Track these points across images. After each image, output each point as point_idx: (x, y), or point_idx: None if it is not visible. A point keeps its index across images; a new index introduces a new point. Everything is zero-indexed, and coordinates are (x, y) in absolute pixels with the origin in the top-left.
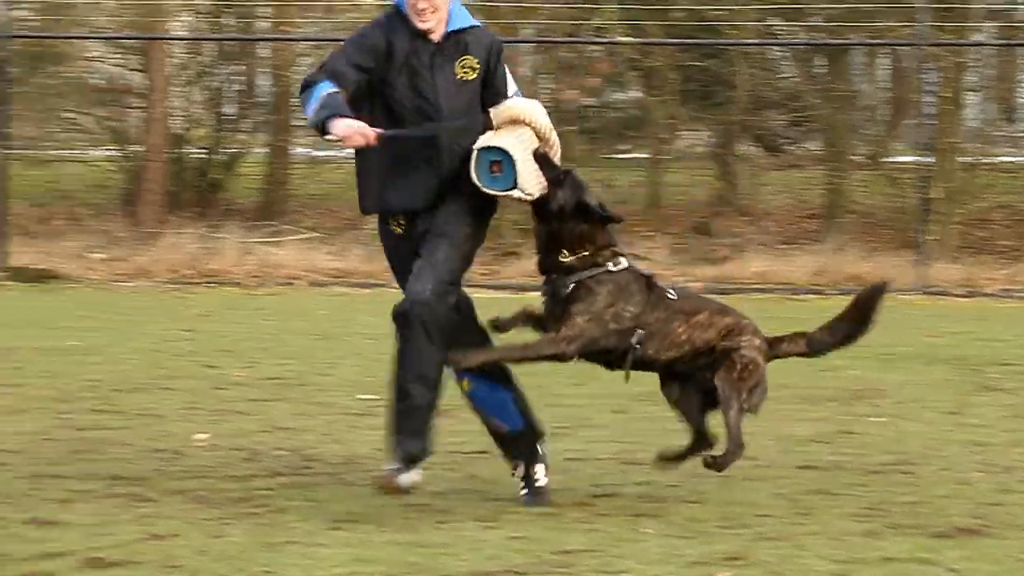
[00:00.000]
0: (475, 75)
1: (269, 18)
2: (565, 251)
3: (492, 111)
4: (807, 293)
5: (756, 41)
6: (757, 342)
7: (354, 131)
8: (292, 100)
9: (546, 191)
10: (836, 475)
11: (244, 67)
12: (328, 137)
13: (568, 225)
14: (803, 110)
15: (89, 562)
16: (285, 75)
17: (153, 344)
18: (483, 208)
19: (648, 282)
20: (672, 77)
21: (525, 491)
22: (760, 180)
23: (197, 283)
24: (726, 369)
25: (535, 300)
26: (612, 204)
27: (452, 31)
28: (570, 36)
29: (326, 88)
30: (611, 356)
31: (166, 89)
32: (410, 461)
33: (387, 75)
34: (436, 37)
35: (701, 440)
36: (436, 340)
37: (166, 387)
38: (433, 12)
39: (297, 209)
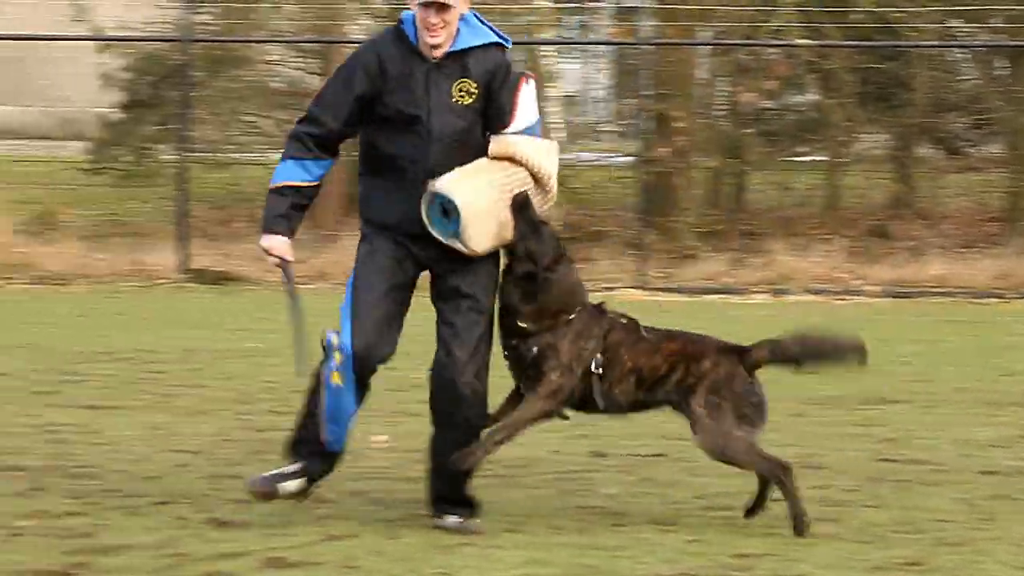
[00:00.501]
0: (472, 100)
1: None
2: (525, 316)
3: (492, 141)
4: (988, 297)
5: (936, 43)
6: (707, 364)
7: (272, 251)
8: None
9: (506, 244)
10: (1018, 480)
11: None
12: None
13: (529, 290)
14: (984, 112)
15: (268, 562)
16: None
17: None
18: (498, 260)
19: (599, 312)
20: (850, 79)
21: (263, 477)
22: (939, 183)
23: None
24: (697, 426)
25: (712, 304)
26: (790, 207)
27: (454, 51)
28: (748, 38)
29: (283, 175)
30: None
31: None
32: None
33: (380, 93)
34: (437, 54)
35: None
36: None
37: None
38: (443, 28)
39: None
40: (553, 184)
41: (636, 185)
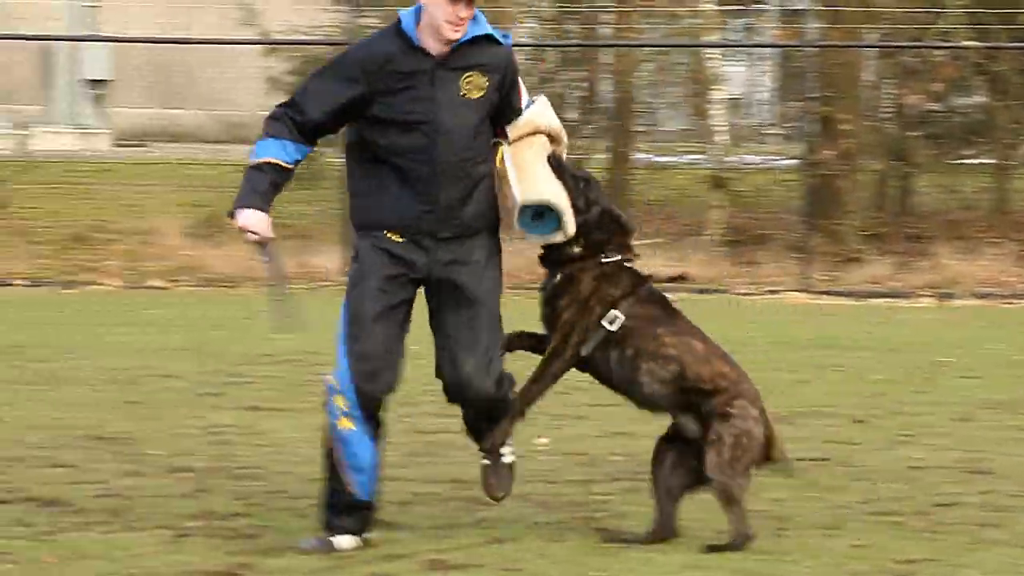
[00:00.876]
0: (481, 94)
1: (612, 24)
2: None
3: (510, 128)
4: None
5: None
6: (756, 411)
7: (251, 227)
8: (634, 106)
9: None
10: None
11: (586, 73)
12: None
13: (591, 235)
14: None
15: (430, 564)
16: (627, 81)
17: None
18: (499, 250)
19: (641, 278)
20: (1018, 81)
21: (314, 541)
22: None
23: (536, 289)
24: (716, 451)
25: (877, 308)
26: (956, 210)
27: (458, 45)
28: (915, 40)
29: (264, 152)
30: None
31: None
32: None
33: (383, 90)
34: (446, 51)
35: (666, 526)
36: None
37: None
38: (463, 25)
39: (638, 215)
40: (564, 134)
41: (801, 188)
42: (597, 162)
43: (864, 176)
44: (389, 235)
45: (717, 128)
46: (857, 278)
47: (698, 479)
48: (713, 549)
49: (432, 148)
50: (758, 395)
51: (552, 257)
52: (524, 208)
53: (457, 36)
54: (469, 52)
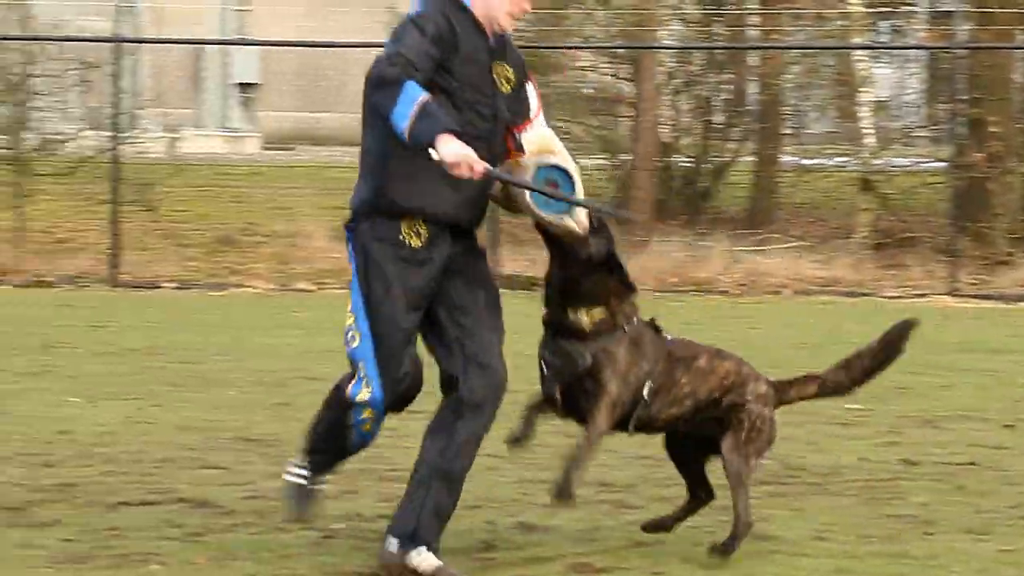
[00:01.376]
0: (509, 87)
1: (758, 26)
2: (582, 310)
3: (525, 137)
4: None
5: None
6: (763, 389)
7: (464, 159)
8: (781, 108)
9: (587, 230)
10: None
11: (733, 75)
12: (432, 154)
13: (591, 278)
14: None
15: (575, 567)
16: (774, 83)
17: None
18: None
19: (654, 329)
20: None
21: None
22: None
23: (683, 291)
24: (733, 433)
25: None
26: None
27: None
28: None
29: (417, 90)
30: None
31: (656, 98)
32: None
33: (450, 64)
34: (498, 32)
35: (698, 497)
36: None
37: None
38: (522, 18)
39: (784, 217)
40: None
41: (948, 190)
42: (743, 165)
43: (1014, 178)
44: (410, 232)
45: (865, 130)
46: (1006, 281)
47: (712, 447)
48: (718, 550)
49: (492, 135)
50: (758, 374)
51: (566, 328)
52: (539, 172)
53: (513, 27)
54: (505, 42)
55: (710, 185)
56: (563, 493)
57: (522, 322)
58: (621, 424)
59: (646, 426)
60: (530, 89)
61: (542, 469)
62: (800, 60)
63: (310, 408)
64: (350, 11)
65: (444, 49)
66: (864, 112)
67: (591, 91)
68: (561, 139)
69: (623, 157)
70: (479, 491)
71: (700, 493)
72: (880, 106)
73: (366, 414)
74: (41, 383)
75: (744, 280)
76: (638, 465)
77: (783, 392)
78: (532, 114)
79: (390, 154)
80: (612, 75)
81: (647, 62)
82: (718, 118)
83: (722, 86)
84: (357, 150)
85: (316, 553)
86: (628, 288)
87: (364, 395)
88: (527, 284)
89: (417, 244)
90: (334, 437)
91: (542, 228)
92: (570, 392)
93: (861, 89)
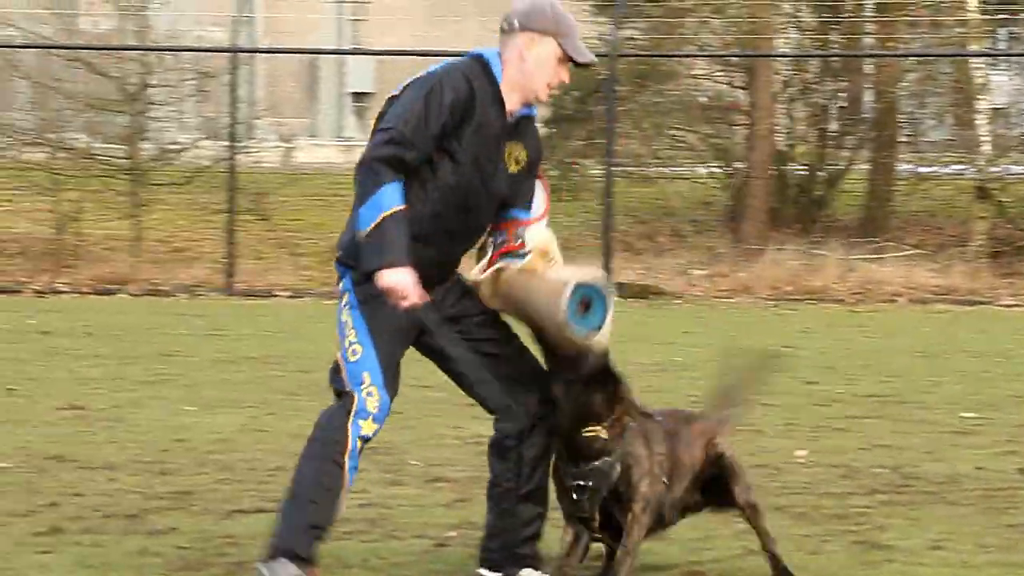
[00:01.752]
0: (517, 168)
1: (875, 34)
2: (595, 425)
3: (527, 233)
4: None
5: None
6: (726, 431)
7: (402, 290)
8: (898, 116)
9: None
10: None
11: (848, 83)
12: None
13: (597, 393)
14: None
15: (688, 575)
16: (890, 91)
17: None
18: None
19: (647, 413)
20: None
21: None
22: None
23: (798, 299)
24: (732, 479)
25: None
26: None
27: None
28: None
29: (390, 199)
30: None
31: (771, 106)
32: None
33: (461, 131)
34: (512, 108)
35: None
36: None
37: (765, 403)
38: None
39: (900, 225)
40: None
41: None
42: (858, 173)
43: None
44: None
45: (981, 138)
46: None
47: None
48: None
49: (486, 208)
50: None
51: (585, 449)
52: (576, 291)
53: (546, 99)
54: (522, 123)
55: (825, 193)
56: None
57: (637, 330)
58: (658, 520)
59: (672, 511)
60: (539, 187)
61: None
62: (916, 67)
63: (422, 416)
64: (464, 19)
65: (457, 116)
66: (981, 119)
67: (706, 99)
68: (675, 148)
69: (737, 165)
70: None
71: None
72: (997, 113)
73: (366, 429)
74: (158, 391)
75: (859, 288)
76: (754, 473)
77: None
78: (538, 213)
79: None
80: (727, 83)
81: (762, 70)
82: (833, 126)
83: (838, 94)
84: None
85: (428, 561)
86: (623, 398)
87: (373, 405)
88: (642, 292)
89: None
90: (329, 489)
91: (550, 347)
92: (604, 507)
93: (978, 96)
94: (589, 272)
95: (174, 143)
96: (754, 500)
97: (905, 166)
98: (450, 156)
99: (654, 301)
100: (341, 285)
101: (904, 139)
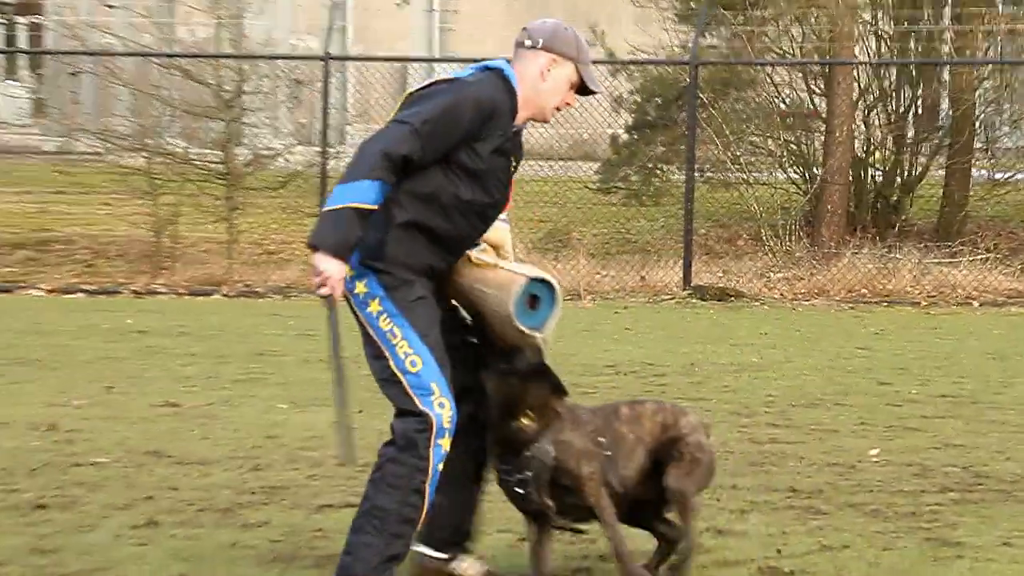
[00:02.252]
0: (513, 172)
1: (952, 42)
2: (522, 417)
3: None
4: None
5: None
6: (695, 420)
7: (325, 279)
8: (974, 123)
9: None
10: None
11: (925, 90)
12: (310, 248)
13: (530, 387)
14: None
15: (764, 571)
16: (966, 98)
17: (829, 361)
18: None
19: (575, 406)
20: None
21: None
22: None
23: (873, 302)
24: (675, 465)
25: None
26: None
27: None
28: None
29: (369, 198)
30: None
31: (850, 113)
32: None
33: (479, 138)
34: (519, 123)
35: (669, 539)
36: None
37: (840, 403)
38: None
39: (974, 231)
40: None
41: None
42: (934, 178)
43: None
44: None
45: None
46: None
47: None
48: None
49: (492, 214)
50: (683, 408)
51: (516, 439)
52: (528, 286)
53: (549, 120)
54: (520, 133)
55: (901, 198)
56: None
57: (715, 332)
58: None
59: (626, 487)
60: None
61: (732, 475)
62: (992, 75)
63: None
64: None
65: (480, 129)
66: None
67: (785, 106)
68: (755, 154)
69: (816, 171)
70: None
71: (668, 535)
72: None
73: (444, 444)
74: (251, 390)
75: (933, 291)
76: (827, 472)
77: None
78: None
79: (402, 223)
80: (806, 90)
81: (841, 77)
82: (910, 132)
83: (915, 101)
84: (550, 164)
85: (508, 556)
86: (559, 393)
87: (447, 419)
88: (721, 295)
89: (422, 282)
90: (411, 520)
91: (491, 338)
92: (554, 496)
93: None
94: (541, 272)
95: (268, 148)
96: (684, 489)
97: (980, 172)
98: (470, 173)
99: (733, 303)
100: (363, 285)
101: (979, 145)
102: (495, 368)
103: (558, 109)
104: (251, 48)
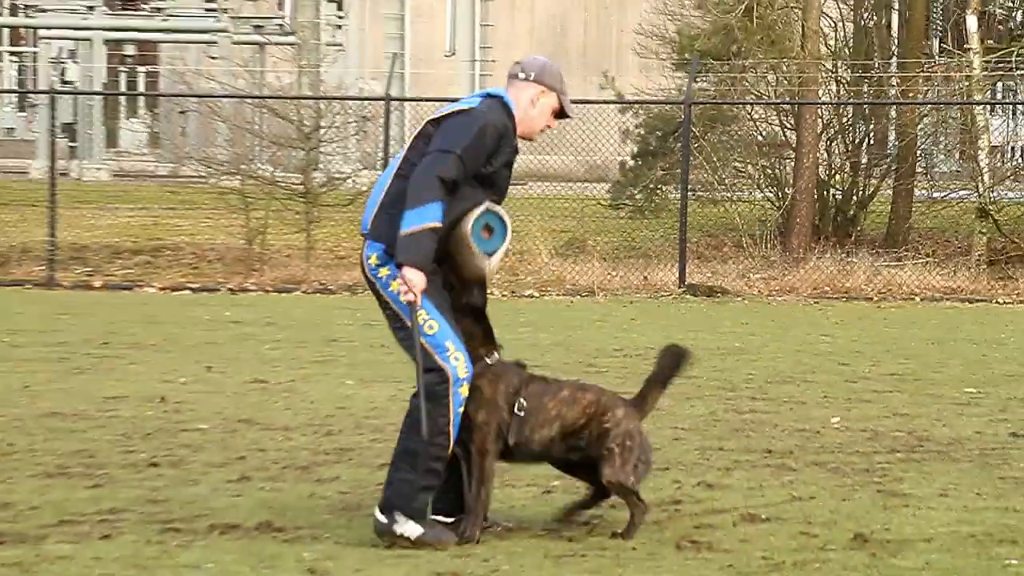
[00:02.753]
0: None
1: (898, 86)
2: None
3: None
4: None
5: None
6: (621, 412)
7: (414, 288)
8: (916, 152)
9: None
10: None
11: (876, 125)
12: (398, 267)
13: (464, 322)
14: None
15: (745, 518)
16: (910, 132)
17: (798, 346)
18: None
19: (518, 365)
20: None
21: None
22: None
23: (834, 298)
24: (606, 461)
25: None
26: None
27: None
28: None
29: (436, 213)
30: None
31: (815, 143)
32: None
33: (495, 154)
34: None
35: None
36: None
37: (807, 380)
38: None
39: (916, 239)
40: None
41: None
42: (884, 197)
43: None
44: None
45: (982, 169)
46: None
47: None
48: (618, 535)
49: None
50: (616, 400)
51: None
52: (482, 215)
53: (535, 139)
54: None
55: (856, 213)
56: (473, 534)
57: (705, 322)
58: (506, 449)
59: (524, 445)
60: None
61: (718, 439)
62: (931, 113)
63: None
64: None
65: (496, 149)
66: (981, 155)
67: (762, 138)
68: (737, 177)
69: (787, 191)
70: (669, 456)
71: (598, 491)
72: (994, 150)
73: (463, 391)
74: (325, 369)
75: (883, 289)
76: (797, 436)
77: (641, 406)
78: None
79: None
80: (779, 125)
81: (808, 115)
82: (864, 159)
83: (868, 134)
84: (570, 185)
85: (537, 505)
86: (490, 340)
87: (463, 370)
88: (709, 292)
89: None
90: (439, 458)
91: (457, 269)
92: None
93: (979, 136)
94: (498, 207)
95: (339, 172)
96: (621, 480)
97: (921, 192)
98: (491, 185)
99: (719, 299)
100: (386, 269)
101: (920, 170)
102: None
103: (542, 131)
104: (326, 91)
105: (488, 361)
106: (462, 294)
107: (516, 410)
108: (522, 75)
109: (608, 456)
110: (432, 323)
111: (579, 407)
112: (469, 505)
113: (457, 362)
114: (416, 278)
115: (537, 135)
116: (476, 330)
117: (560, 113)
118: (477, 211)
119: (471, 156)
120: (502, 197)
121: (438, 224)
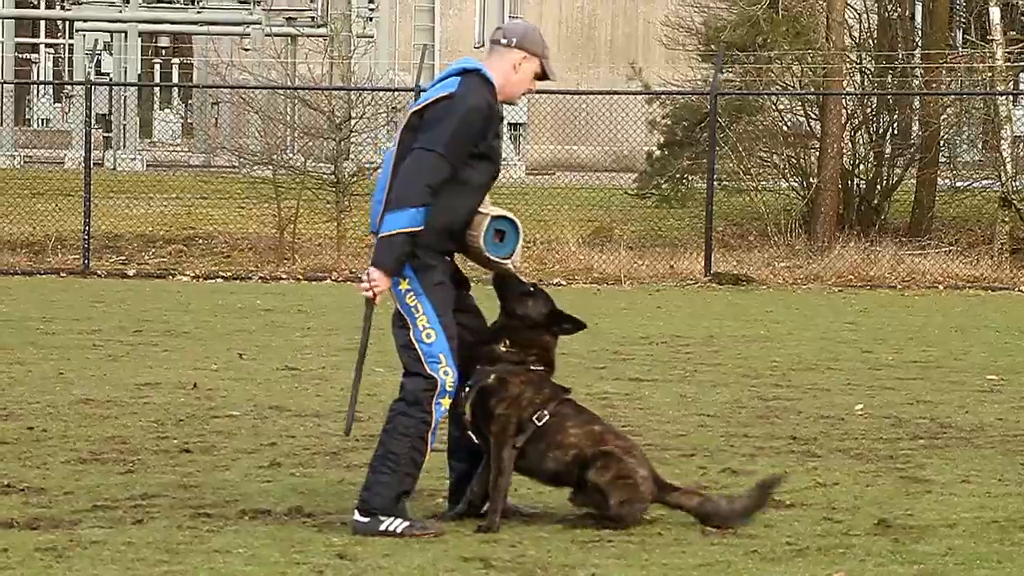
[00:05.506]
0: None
1: (921, 77)
2: (503, 341)
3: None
4: None
5: None
6: (643, 471)
7: (375, 288)
8: (939, 142)
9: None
10: None
11: (900, 116)
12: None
13: (528, 331)
14: None
15: (770, 504)
16: (933, 122)
17: (822, 333)
18: None
19: (561, 389)
20: None
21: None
22: None
23: (858, 286)
24: (602, 470)
25: None
26: None
27: None
28: None
29: (415, 222)
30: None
31: (839, 134)
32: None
33: (487, 138)
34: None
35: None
36: None
37: (831, 367)
38: None
39: (940, 228)
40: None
41: None
42: (907, 186)
43: None
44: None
45: (1005, 159)
46: None
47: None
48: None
49: (491, 184)
50: (646, 461)
51: (486, 355)
52: (492, 222)
53: (517, 103)
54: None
55: (880, 202)
56: (494, 524)
57: (730, 310)
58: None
59: (530, 458)
60: None
61: (743, 426)
62: (954, 103)
63: (560, 378)
64: (597, 65)
65: (485, 128)
66: (1004, 144)
67: (787, 128)
68: (762, 167)
69: (812, 180)
70: (694, 442)
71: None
72: (1017, 140)
73: (445, 403)
74: (354, 356)
75: (907, 277)
76: (821, 423)
77: (665, 489)
78: None
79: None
80: (804, 115)
81: (832, 105)
82: (888, 149)
83: (892, 124)
84: (601, 176)
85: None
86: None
87: (450, 383)
88: (735, 280)
89: (443, 266)
90: (418, 464)
91: (494, 278)
92: (475, 414)
93: (1002, 126)
94: (503, 211)
95: (369, 162)
96: (604, 493)
97: (944, 181)
98: (487, 159)
99: (745, 287)
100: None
101: (944, 160)
102: (514, 302)
103: (524, 94)
104: (357, 82)
105: (534, 370)
106: (516, 307)
107: (535, 419)
108: (504, 41)
109: (604, 465)
110: (431, 331)
111: (602, 450)
112: (488, 496)
113: (446, 376)
114: (380, 280)
115: (519, 98)
116: (539, 338)
117: (541, 76)
118: (484, 225)
119: (457, 149)
120: (498, 166)
121: (416, 229)
